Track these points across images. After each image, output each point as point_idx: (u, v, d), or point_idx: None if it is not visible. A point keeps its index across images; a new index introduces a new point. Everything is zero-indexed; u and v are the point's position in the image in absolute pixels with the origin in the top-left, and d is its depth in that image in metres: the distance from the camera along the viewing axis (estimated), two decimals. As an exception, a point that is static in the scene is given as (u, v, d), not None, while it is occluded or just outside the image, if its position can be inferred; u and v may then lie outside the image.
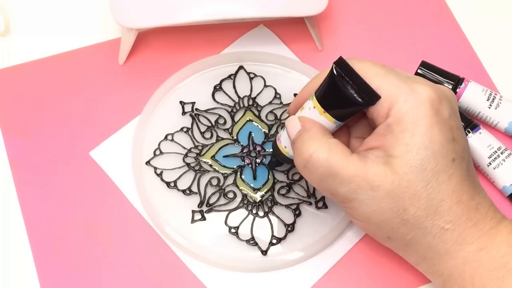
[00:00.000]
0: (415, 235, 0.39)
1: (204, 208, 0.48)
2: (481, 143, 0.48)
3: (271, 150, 0.50)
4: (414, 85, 0.39)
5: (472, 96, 0.50)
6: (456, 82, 0.50)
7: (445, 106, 0.40)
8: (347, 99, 0.39)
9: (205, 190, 0.49)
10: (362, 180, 0.38)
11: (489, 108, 0.50)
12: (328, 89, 0.40)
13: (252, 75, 0.53)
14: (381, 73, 0.40)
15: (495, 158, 0.48)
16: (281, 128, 0.44)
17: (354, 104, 0.39)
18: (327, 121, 0.41)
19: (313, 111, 0.41)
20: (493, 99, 0.50)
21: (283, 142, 0.44)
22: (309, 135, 0.40)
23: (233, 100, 0.52)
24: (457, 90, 0.50)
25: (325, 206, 0.48)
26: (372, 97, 0.39)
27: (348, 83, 0.39)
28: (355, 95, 0.39)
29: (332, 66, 0.40)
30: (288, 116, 0.44)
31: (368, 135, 0.41)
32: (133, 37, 0.52)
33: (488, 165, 0.48)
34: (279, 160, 0.46)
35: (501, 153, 0.48)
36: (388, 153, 0.39)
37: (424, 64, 0.51)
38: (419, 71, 0.51)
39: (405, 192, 0.38)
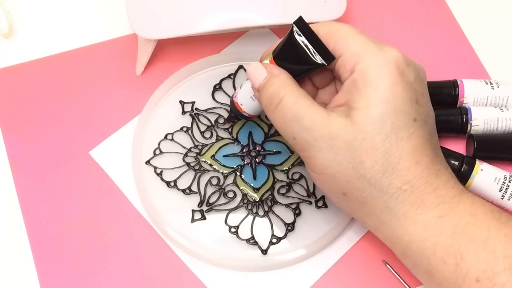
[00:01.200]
0: (371, 192, 0.39)
1: (204, 208, 0.48)
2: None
3: (271, 150, 0.50)
4: (383, 46, 0.40)
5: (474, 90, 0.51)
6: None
7: (411, 70, 0.40)
8: (302, 56, 0.40)
9: (205, 190, 0.49)
10: (323, 128, 0.39)
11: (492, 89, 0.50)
12: (284, 46, 0.41)
13: (252, 75, 0.53)
14: (351, 33, 0.40)
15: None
16: (239, 87, 0.45)
17: (309, 62, 0.40)
18: None
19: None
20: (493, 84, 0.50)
21: (240, 100, 0.45)
22: (280, 79, 0.40)
23: (233, 100, 0.52)
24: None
25: (325, 205, 0.48)
26: (327, 57, 0.40)
27: (304, 42, 0.40)
28: (308, 53, 0.40)
29: (292, 25, 0.41)
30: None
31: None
32: (151, 47, 0.52)
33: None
34: (236, 116, 0.47)
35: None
36: (351, 107, 0.39)
37: None
38: None
39: (363, 144, 0.38)
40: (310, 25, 0.41)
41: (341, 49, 0.40)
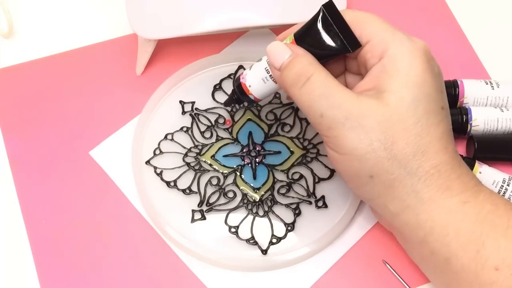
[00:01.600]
0: (399, 174, 0.39)
1: (204, 208, 0.48)
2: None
3: (271, 150, 0.50)
4: (412, 37, 0.40)
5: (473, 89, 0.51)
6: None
7: (436, 64, 0.41)
8: (327, 40, 0.40)
9: (205, 190, 0.49)
10: (354, 107, 0.38)
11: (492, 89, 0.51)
12: (309, 28, 0.41)
13: (252, 75, 0.53)
14: (379, 20, 0.41)
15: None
16: (249, 68, 0.44)
17: (332, 48, 0.40)
18: None
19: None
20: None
21: (248, 81, 0.44)
22: (307, 59, 0.40)
23: (233, 100, 0.52)
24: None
25: (325, 205, 0.48)
26: (353, 43, 0.40)
27: (331, 26, 0.40)
28: (335, 38, 0.40)
29: (321, 7, 0.40)
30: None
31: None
32: (151, 47, 0.52)
33: None
34: (239, 99, 0.46)
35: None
36: (382, 90, 0.39)
37: None
38: None
39: (395, 125, 0.38)
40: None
41: (369, 35, 0.40)
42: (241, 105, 0.51)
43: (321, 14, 0.40)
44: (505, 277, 0.36)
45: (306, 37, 0.41)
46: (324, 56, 0.41)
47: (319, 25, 0.40)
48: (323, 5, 0.40)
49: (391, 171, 0.39)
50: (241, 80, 0.44)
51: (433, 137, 0.39)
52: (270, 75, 0.43)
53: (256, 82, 0.43)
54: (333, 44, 0.40)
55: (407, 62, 0.39)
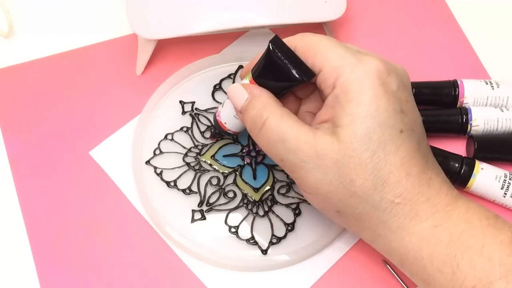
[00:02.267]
0: (364, 209, 0.38)
1: (204, 208, 0.48)
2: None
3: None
4: (363, 57, 0.39)
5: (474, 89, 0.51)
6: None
7: (393, 78, 0.39)
8: (281, 74, 0.40)
9: (205, 190, 0.49)
10: (310, 149, 0.38)
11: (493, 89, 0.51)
12: (263, 65, 0.41)
13: (252, 75, 0.53)
14: (329, 45, 0.40)
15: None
16: (221, 105, 0.45)
17: (288, 79, 0.40)
18: None
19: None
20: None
21: (223, 119, 0.45)
22: (261, 101, 0.40)
23: (233, 100, 0.52)
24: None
25: (325, 205, 0.48)
26: (306, 73, 0.40)
27: (282, 60, 0.39)
28: (290, 71, 0.39)
29: (268, 44, 0.40)
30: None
31: (319, 110, 0.41)
32: (151, 47, 0.52)
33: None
34: (221, 133, 0.47)
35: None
36: (336, 124, 0.38)
37: None
38: None
39: (351, 162, 0.38)
40: (288, 39, 0.41)
41: (321, 64, 0.39)
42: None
43: (271, 48, 0.40)
44: None
45: (261, 73, 0.41)
46: (283, 88, 0.41)
47: (270, 60, 0.40)
48: (270, 41, 0.40)
49: (355, 206, 0.39)
50: (217, 117, 0.46)
51: (392, 166, 0.38)
52: None
53: (230, 119, 0.44)
54: (287, 76, 0.40)
55: (357, 90, 0.38)
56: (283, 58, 0.39)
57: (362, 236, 0.41)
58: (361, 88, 0.38)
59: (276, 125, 0.39)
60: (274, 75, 0.40)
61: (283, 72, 0.40)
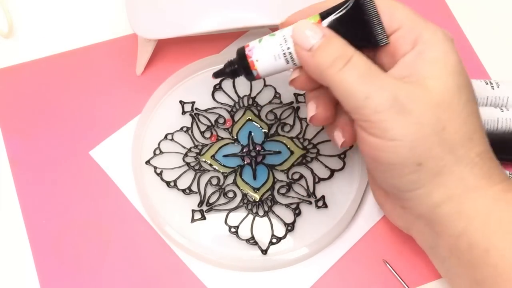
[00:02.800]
0: (449, 161, 0.37)
1: (204, 208, 0.48)
2: None
3: (271, 150, 0.50)
4: (439, 27, 0.40)
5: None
6: None
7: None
8: (357, 32, 0.38)
9: (205, 190, 0.49)
10: (401, 91, 0.37)
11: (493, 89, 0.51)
12: (342, 15, 0.39)
13: (252, 75, 0.53)
14: (408, 9, 0.40)
15: None
16: (258, 41, 0.41)
17: (361, 41, 0.39)
18: None
19: None
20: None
21: (256, 55, 0.40)
22: (341, 41, 0.38)
23: (233, 100, 0.52)
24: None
25: (325, 205, 0.48)
26: (382, 38, 0.39)
27: (366, 17, 0.38)
28: (370, 32, 0.38)
29: None
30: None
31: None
32: (151, 47, 0.52)
33: None
34: (235, 72, 0.42)
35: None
36: (422, 76, 0.38)
37: None
38: None
39: (445, 110, 0.37)
40: None
41: (400, 21, 0.39)
42: (243, 104, 0.51)
43: (358, 1, 0.38)
44: None
45: (335, 23, 0.39)
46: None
47: (352, 13, 0.38)
48: None
49: (441, 157, 0.37)
50: (246, 52, 0.41)
51: (476, 124, 0.38)
52: (284, 53, 0.40)
53: (266, 58, 0.40)
54: (362, 37, 0.38)
55: (443, 50, 0.38)
56: (368, 14, 0.38)
57: (431, 197, 0.38)
58: (447, 49, 0.38)
59: (365, 61, 0.38)
60: (348, 30, 0.38)
61: (361, 31, 0.38)
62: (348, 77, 0.37)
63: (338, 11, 0.39)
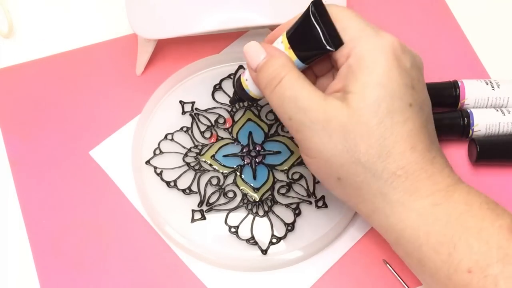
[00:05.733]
0: (365, 177, 0.38)
1: (204, 208, 0.48)
2: None
3: (271, 150, 0.50)
4: (380, 32, 0.40)
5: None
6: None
7: (408, 57, 0.40)
8: (313, 39, 0.40)
9: (205, 190, 0.49)
10: (319, 109, 0.38)
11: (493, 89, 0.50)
12: (298, 26, 0.41)
13: (252, 75, 0.53)
14: (348, 16, 0.40)
15: None
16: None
17: (318, 47, 0.40)
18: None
19: (280, 45, 0.41)
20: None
21: (246, 75, 0.44)
22: (280, 61, 0.40)
23: (233, 100, 0.52)
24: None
25: (325, 205, 0.48)
26: (336, 42, 0.39)
27: (319, 25, 0.39)
28: (321, 37, 0.39)
29: (309, 5, 0.40)
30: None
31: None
32: (151, 47, 0.52)
33: None
34: (240, 97, 0.46)
35: None
36: (347, 91, 0.39)
37: None
38: None
39: (358, 127, 0.38)
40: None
41: (350, 31, 0.40)
42: (243, 104, 0.51)
43: (310, 10, 0.40)
44: (478, 279, 0.36)
45: (295, 34, 0.41)
46: (312, 56, 0.41)
47: (307, 23, 0.40)
48: (312, 2, 0.40)
49: (357, 173, 0.39)
50: (241, 75, 0.45)
51: (398, 136, 0.38)
52: None
53: (250, 79, 0.44)
54: (320, 44, 0.40)
55: (372, 60, 0.38)
56: (321, 22, 0.39)
57: (361, 209, 0.40)
58: (375, 58, 0.38)
59: (292, 84, 0.39)
60: (307, 39, 0.40)
61: (318, 38, 0.39)
62: (277, 98, 0.40)
63: (295, 23, 0.41)
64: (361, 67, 0.38)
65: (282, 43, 0.41)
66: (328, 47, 0.40)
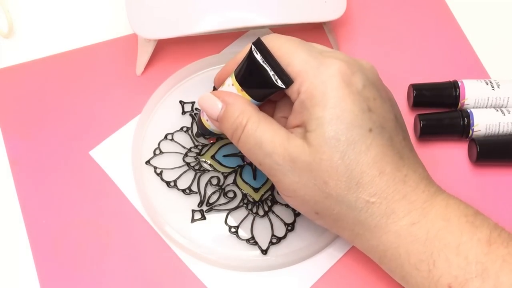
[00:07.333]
0: (340, 209, 0.39)
1: (204, 208, 0.48)
2: None
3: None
4: (325, 59, 0.39)
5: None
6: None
7: (358, 77, 0.39)
8: (262, 81, 0.40)
9: (205, 190, 0.49)
10: (284, 152, 0.39)
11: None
12: (245, 69, 0.41)
13: (252, 75, 0.53)
14: (292, 49, 0.40)
15: None
16: None
17: (269, 86, 0.40)
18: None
19: (231, 88, 0.42)
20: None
21: (206, 116, 0.45)
22: (238, 108, 0.40)
23: (233, 100, 0.52)
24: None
25: (325, 205, 0.48)
26: (286, 80, 0.40)
27: (265, 66, 0.40)
28: (270, 78, 0.40)
29: (251, 47, 0.40)
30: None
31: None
32: (151, 47, 0.52)
33: None
34: (204, 134, 0.48)
35: None
36: (306, 129, 0.39)
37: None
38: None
39: (322, 164, 0.38)
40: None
41: (296, 66, 0.39)
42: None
43: (253, 53, 0.40)
44: None
45: (244, 77, 0.41)
46: (263, 95, 0.41)
47: (252, 65, 0.40)
48: (253, 43, 0.40)
49: (331, 207, 0.39)
50: (201, 115, 0.46)
51: (364, 165, 0.38)
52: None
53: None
54: (269, 83, 0.40)
55: (321, 94, 0.38)
56: (266, 63, 0.40)
57: (343, 236, 0.42)
58: (325, 91, 0.38)
59: (254, 130, 0.40)
60: (255, 80, 0.41)
61: (267, 78, 0.40)
62: (244, 148, 0.41)
63: (241, 65, 0.41)
64: (313, 103, 0.38)
65: (233, 86, 0.41)
66: (279, 85, 0.40)
